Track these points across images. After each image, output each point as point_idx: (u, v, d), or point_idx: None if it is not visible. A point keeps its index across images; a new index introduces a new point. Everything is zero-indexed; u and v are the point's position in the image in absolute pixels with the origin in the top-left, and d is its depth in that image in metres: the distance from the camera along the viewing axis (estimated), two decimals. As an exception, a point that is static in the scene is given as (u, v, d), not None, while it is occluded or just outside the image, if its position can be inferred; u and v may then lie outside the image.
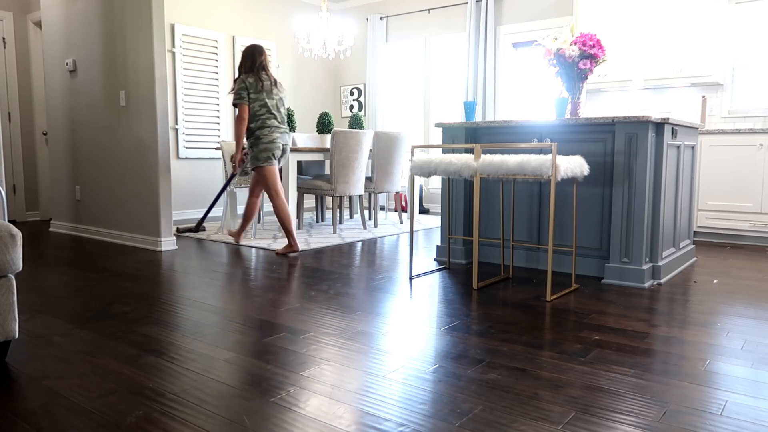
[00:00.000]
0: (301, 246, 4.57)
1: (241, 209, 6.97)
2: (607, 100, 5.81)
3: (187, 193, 6.46)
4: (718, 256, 4.28)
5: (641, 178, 3.25)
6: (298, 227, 5.60)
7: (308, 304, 2.90)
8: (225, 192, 5.26)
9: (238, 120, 4.17)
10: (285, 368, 2.04)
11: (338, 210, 6.12)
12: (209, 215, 6.58)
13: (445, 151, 3.99)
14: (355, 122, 6.00)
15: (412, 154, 3.49)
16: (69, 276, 3.56)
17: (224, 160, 5.27)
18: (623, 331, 2.46)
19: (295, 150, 4.89)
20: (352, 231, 5.44)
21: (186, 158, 6.42)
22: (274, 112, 4.26)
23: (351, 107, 7.93)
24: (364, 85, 7.77)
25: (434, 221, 6.32)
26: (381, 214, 6.97)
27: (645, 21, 5.24)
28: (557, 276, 3.57)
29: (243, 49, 4.38)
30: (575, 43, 3.57)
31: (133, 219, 4.70)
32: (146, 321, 2.61)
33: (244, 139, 4.27)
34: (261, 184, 4.38)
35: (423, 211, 7.25)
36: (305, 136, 6.22)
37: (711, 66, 4.96)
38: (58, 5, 5.25)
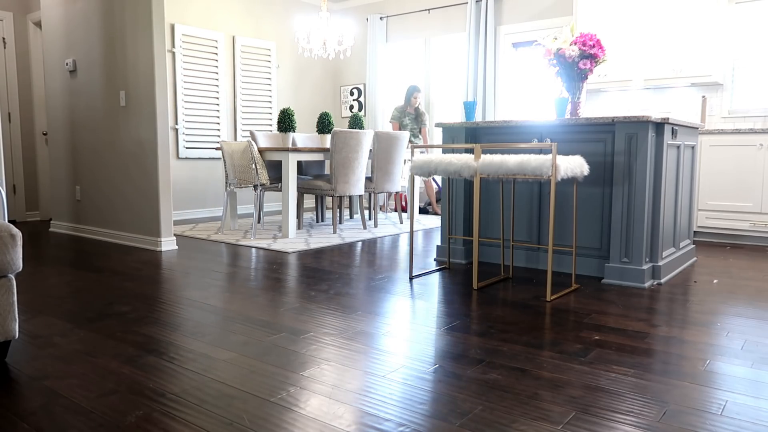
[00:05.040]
0: (301, 246, 4.58)
1: (240, 209, 6.99)
2: (607, 100, 5.81)
3: (187, 193, 6.46)
4: (718, 256, 4.28)
5: (641, 178, 3.25)
6: (298, 227, 5.60)
7: (308, 304, 2.90)
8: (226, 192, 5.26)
9: None
10: (285, 368, 2.04)
11: (338, 210, 6.12)
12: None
13: (445, 151, 3.99)
14: (355, 122, 6.00)
15: (412, 154, 3.50)
16: (69, 276, 3.56)
17: (224, 161, 5.27)
18: (623, 331, 2.46)
19: (295, 150, 4.89)
20: (352, 231, 5.44)
21: (186, 158, 6.42)
22: None
23: (351, 107, 7.93)
24: (364, 85, 7.77)
25: (434, 221, 6.32)
26: (381, 214, 6.98)
27: (645, 21, 5.24)
28: (557, 276, 3.57)
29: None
30: (575, 43, 3.57)
31: (133, 219, 4.70)
32: (146, 321, 2.61)
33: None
34: None
35: (423, 210, 7.25)
36: (305, 136, 6.22)
37: (711, 66, 4.96)
38: (58, 5, 5.25)
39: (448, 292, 3.15)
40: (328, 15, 6.33)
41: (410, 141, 6.70)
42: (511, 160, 2.97)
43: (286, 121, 5.31)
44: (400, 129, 6.81)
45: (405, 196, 7.02)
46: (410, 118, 6.78)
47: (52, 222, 5.61)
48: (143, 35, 4.42)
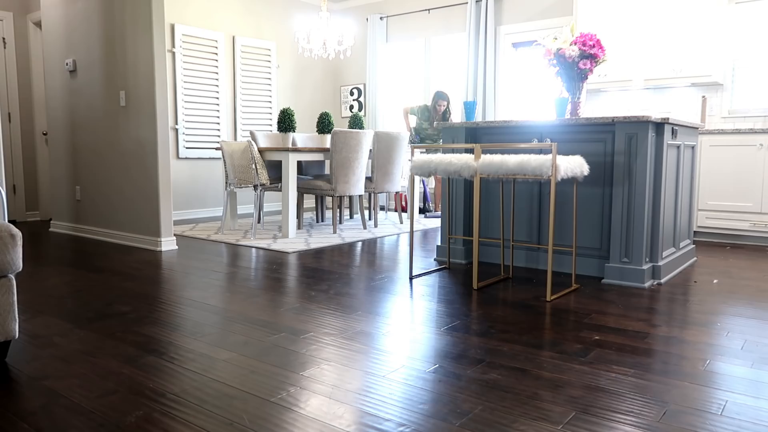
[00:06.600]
0: (301, 246, 4.58)
1: (240, 209, 6.98)
2: (607, 100, 5.81)
3: (187, 193, 6.46)
4: (718, 256, 4.28)
5: (641, 178, 3.25)
6: (298, 227, 5.60)
7: (308, 304, 2.90)
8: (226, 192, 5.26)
9: None
10: (285, 368, 2.04)
11: (338, 210, 6.12)
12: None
13: (445, 151, 3.99)
14: (355, 122, 6.00)
15: (412, 154, 3.50)
16: (69, 276, 3.56)
17: (224, 161, 5.27)
18: (623, 331, 2.46)
19: (295, 150, 4.89)
20: (352, 231, 5.44)
21: (186, 158, 6.42)
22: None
23: (351, 107, 7.93)
24: (364, 85, 7.77)
25: (434, 221, 6.32)
26: (381, 214, 6.97)
27: (645, 21, 5.24)
28: (557, 276, 3.57)
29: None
30: (575, 43, 3.57)
31: (133, 219, 4.70)
32: (146, 321, 2.61)
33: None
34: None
35: (423, 210, 7.24)
36: (305, 136, 6.22)
37: (711, 66, 4.96)
38: (58, 5, 5.25)
39: (448, 292, 3.15)
40: (328, 15, 6.33)
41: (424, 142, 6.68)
42: (511, 160, 2.97)
43: (286, 121, 5.31)
44: (410, 124, 6.81)
45: (405, 196, 7.01)
46: (430, 122, 6.66)
47: (52, 222, 5.61)
48: (143, 35, 4.42)
